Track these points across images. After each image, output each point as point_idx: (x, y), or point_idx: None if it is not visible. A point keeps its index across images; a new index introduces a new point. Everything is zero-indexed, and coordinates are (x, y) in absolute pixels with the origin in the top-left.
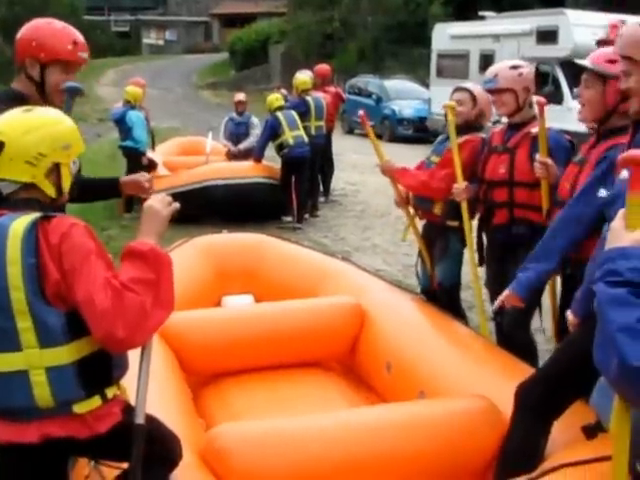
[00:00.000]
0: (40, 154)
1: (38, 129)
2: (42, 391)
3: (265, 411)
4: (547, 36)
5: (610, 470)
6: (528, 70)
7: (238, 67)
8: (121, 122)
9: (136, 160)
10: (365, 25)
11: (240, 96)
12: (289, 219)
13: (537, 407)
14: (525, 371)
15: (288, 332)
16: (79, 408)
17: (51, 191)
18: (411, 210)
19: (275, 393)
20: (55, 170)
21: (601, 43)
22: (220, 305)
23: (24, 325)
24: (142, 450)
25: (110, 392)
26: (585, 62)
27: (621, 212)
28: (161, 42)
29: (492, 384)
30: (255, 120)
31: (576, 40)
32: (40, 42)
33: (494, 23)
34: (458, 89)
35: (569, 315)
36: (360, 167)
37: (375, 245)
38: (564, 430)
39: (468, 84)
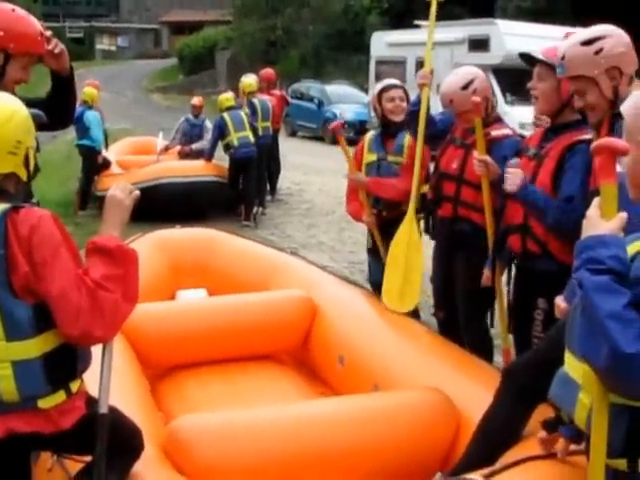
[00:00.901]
0: (18, 142)
1: (12, 117)
2: (7, 385)
3: (222, 404)
4: (479, 44)
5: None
6: (479, 82)
7: (186, 72)
8: (79, 121)
9: (92, 159)
10: (306, 33)
11: (197, 100)
12: (247, 223)
13: (525, 390)
14: (478, 365)
15: (241, 325)
16: (44, 403)
17: (24, 175)
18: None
19: (231, 386)
20: (26, 157)
21: None
22: (175, 299)
23: None
24: (105, 440)
25: (74, 386)
26: (539, 55)
27: (596, 201)
28: (113, 48)
29: (445, 377)
30: (209, 123)
31: (507, 48)
32: (9, 32)
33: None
34: (390, 87)
35: (559, 302)
36: (304, 168)
37: (321, 242)
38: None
39: (393, 81)
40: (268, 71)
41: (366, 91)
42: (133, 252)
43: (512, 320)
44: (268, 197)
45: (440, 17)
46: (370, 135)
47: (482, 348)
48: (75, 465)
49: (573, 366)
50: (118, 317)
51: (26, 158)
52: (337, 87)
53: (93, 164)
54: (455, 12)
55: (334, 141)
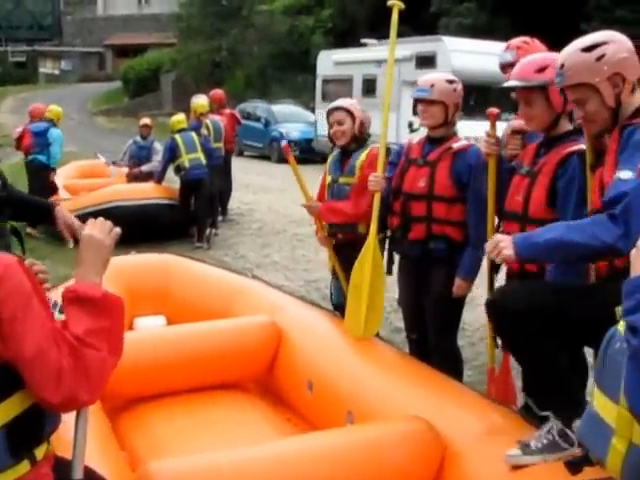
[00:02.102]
0: None
1: None
2: None
3: (188, 439)
4: (426, 61)
5: None
6: (460, 87)
7: (131, 95)
8: (40, 136)
9: (43, 177)
10: (251, 54)
11: (146, 120)
12: (200, 244)
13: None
14: (457, 388)
15: (203, 354)
16: (4, 478)
17: None
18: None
19: (195, 418)
20: None
21: (506, 67)
22: (132, 327)
23: None
24: None
25: (40, 452)
26: (515, 83)
27: None
28: (57, 71)
29: (424, 403)
30: (158, 145)
31: (454, 64)
32: None
33: (376, 50)
34: (332, 110)
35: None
36: (252, 187)
37: (275, 262)
38: None
39: (337, 102)
40: (217, 92)
41: (312, 110)
42: (120, 301)
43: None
44: (220, 217)
45: (384, 36)
46: (331, 156)
47: (453, 365)
48: None
49: (605, 407)
50: (104, 376)
51: None
52: (283, 107)
53: (43, 182)
54: (400, 30)
55: (280, 159)
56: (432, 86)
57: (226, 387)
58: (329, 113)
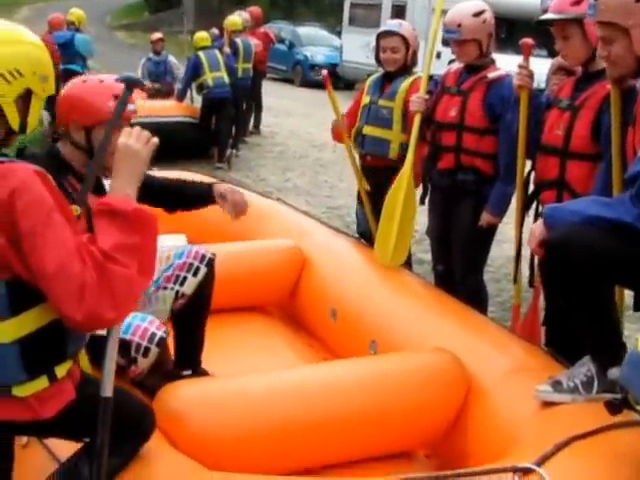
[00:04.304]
0: (17, 71)
1: (21, 43)
2: None
3: (207, 361)
4: None
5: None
6: (490, 14)
7: (152, 9)
8: (68, 46)
9: None
10: None
11: (157, 35)
12: (221, 165)
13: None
14: (482, 321)
15: (226, 275)
16: (20, 391)
17: (15, 121)
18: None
19: (216, 339)
20: (26, 100)
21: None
22: None
23: None
24: (109, 425)
25: (61, 370)
26: (551, 16)
27: None
28: None
29: (449, 334)
30: (173, 59)
31: None
32: (75, 108)
33: None
34: (386, 34)
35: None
36: (274, 110)
37: (296, 186)
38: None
39: (393, 25)
40: (256, 8)
41: (338, 34)
42: (152, 217)
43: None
44: (249, 138)
45: None
46: (372, 78)
47: (478, 300)
48: (57, 444)
49: None
50: (132, 295)
51: (24, 101)
52: (308, 29)
53: None
54: None
55: (304, 83)
56: (459, 26)
57: (247, 310)
58: (382, 35)
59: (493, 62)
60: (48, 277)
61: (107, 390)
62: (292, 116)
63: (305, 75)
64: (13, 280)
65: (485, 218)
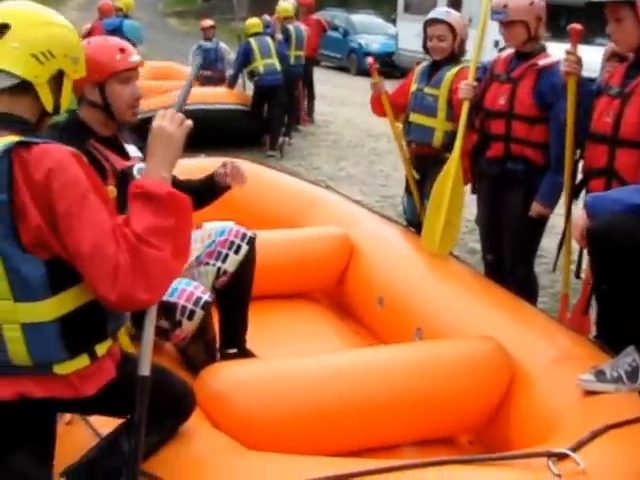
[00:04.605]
0: (50, 52)
1: (52, 25)
2: (16, 348)
3: (256, 345)
4: None
5: None
6: None
7: None
8: (116, 32)
9: None
10: None
11: (208, 22)
12: (273, 153)
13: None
14: (530, 311)
15: (274, 262)
16: (61, 369)
17: (49, 102)
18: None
19: (264, 325)
20: (58, 81)
21: None
22: None
23: None
24: (146, 404)
25: (102, 348)
26: None
27: None
28: None
29: (495, 322)
30: (224, 46)
31: None
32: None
33: None
34: (433, 22)
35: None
36: (328, 99)
37: (350, 175)
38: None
39: (440, 13)
40: None
41: (393, 22)
42: (186, 201)
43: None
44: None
45: None
46: (421, 66)
47: (527, 291)
48: (99, 420)
49: None
50: (166, 278)
51: (56, 83)
52: (363, 17)
53: None
54: None
55: (359, 72)
56: (505, 6)
57: (295, 297)
58: (428, 23)
59: (544, 49)
60: (83, 257)
61: (144, 369)
62: (347, 105)
63: (360, 63)
64: (52, 260)
65: (535, 208)
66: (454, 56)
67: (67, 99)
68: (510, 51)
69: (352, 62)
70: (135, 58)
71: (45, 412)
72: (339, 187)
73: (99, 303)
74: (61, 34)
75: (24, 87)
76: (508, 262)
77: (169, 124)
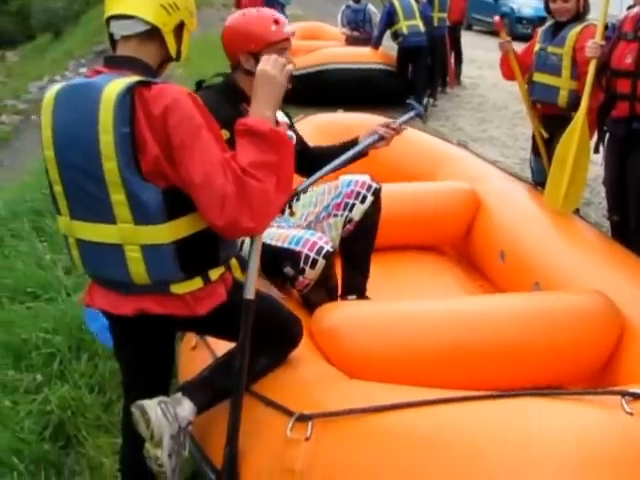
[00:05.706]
0: (175, 4)
1: None
2: (137, 267)
3: (379, 291)
4: None
5: None
6: None
7: None
8: None
9: None
10: None
11: None
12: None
13: None
14: None
15: (404, 214)
16: (177, 288)
17: (173, 48)
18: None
19: (389, 275)
20: (179, 31)
21: None
22: None
23: (117, 198)
24: (251, 326)
25: (214, 274)
26: None
27: None
28: None
29: (611, 281)
30: (372, 8)
31: None
32: (246, 35)
33: None
34: None
35: None
36: (478, 62)
37: (492, 137)
38: None
39: None
40: None
41: None
42: (286, 138)
43: None
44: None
45: None
46: (544, 26)
47: None
48: (220, 345)
49: None
50: (269, 208)
51: (178, 33)
52: None
53: None
54: None
55: (512, 37)
56: None
57: (422, 249)
58: None
59: None
60: (194, 187)
61: (250, 292)
62: (496, 69)
63: (513, 28)
64: (168, 188)
65: None
66: (579, 15)
67: (186, 47)
68: (638, 9)
69: (503, 26)
70: (288, 29)
71: (163, 331)
72: (480, 148)
73: (212, 232)
74: None
75: (152, 34)
76: (633, 222)
77: (272, 68)
